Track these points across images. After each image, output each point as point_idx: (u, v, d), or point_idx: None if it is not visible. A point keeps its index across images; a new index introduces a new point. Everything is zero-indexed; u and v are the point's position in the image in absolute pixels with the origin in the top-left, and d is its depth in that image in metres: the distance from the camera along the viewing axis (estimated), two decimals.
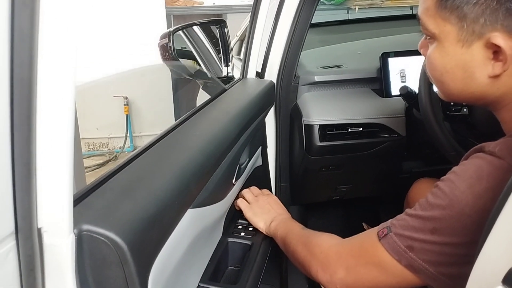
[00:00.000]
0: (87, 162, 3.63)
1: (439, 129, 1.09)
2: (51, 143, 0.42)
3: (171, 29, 1.11)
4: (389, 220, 0.74)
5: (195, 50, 1.33)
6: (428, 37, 0.74)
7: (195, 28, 1.27)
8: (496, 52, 0.64)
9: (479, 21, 0.63)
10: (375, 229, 0.75)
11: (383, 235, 0.71)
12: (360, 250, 0.77)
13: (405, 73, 1.42)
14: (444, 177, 0.69)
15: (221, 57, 1.30)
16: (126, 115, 4.08)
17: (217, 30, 1.30)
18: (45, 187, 0.43)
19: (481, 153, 0.67)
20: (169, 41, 1.09)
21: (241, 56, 1.34)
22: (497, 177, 0.61)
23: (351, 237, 0.82)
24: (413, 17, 2.09)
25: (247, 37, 1.26)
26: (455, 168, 0.69)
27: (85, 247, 0.48)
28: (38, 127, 0.41)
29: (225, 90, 1.13)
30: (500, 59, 0.64)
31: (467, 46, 0.66)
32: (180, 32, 1.24)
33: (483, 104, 0.74)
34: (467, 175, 0.65)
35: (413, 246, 0.68)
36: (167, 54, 1.10)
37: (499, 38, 0.62)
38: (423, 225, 0.67)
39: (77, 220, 0.47)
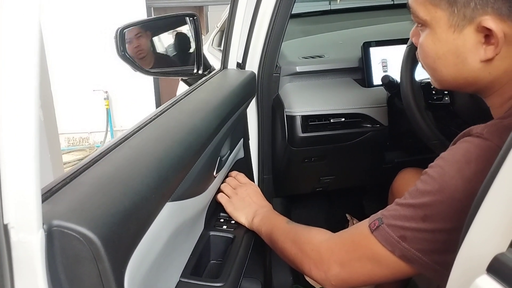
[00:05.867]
0: (66, 157, 3.58)
1: (421, 118, 1.09)
2: (14, 134, 0.39)
3: (120, 26, 1.08)
4: (380, 212, 0.74)
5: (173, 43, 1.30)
6: (419, 25, 0.73)
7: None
8: (488, 36, 0.64)
9: (469, 5, 0.63)
10: (366, 221, 0.75)
11: (375, 227, 0.71)
12: (353, 244, 0.76)
13: (387, 63, 1.41)
14: (432, 163, 0.69)
15: (193, 53, 1.26)
16: (107, 109, 4.03)
17: (191, 25, 1.26)
18: (10, 180, 0.41)
19: (468, 137, 0.67)
20: (116, 38, 1.06)
21: (222, 47, 1.32)
22: (485, 159, 0.61)
23: (341, 232, 0.81)
24: (394, 7, 2.11)
25: (227, 27, 1.24)
26: (443, 154, 0.69)
27: (56, 243, 0.46)
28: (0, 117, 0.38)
29: (205, 81, 1.11)
30: (492, 43, 0.64)
31: (459, 31, 0.66)
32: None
33: (474, 90, 0.74)
34: (455, 160, 0.65)
35: (405, 236, 0.67)
36: (116, 50, 1.07)
37: (490, 22, 0.62)
38: (414, 213, 0.67)
39: (47, 215, 0.45)
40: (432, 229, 0.65)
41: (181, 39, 1.28)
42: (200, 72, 1.25)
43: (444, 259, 0.65)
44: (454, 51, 0.68)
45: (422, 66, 0.77)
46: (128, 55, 1.11)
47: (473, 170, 0.62)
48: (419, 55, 0.76)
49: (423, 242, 0.66)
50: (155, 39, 1.27)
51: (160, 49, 1.30)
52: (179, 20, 1.25)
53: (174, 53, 1.30)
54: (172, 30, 1.28)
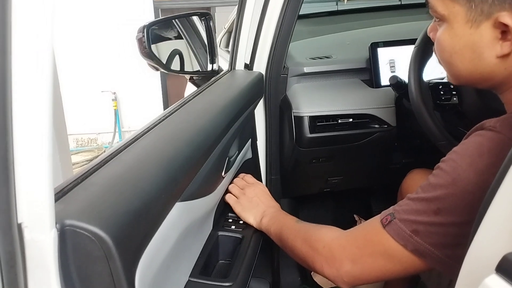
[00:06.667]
0: (75, 158, 3.60)
1: (430, 118, 1.09)
2: (29, 134, 0.40)
3: (146, 23, 1.10)
4: (391, 207, 0.74)
5: (186, 42, 1.32)
6: (437, 20, 0.74)
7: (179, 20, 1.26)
8: (504, 31, 0.64)
9: (487, 0, 0.64)
10: (378, 217, 0.75)
11: (387, 222, 0.71)
12: (365, 240, 0.76)
13: (395, 63, 1.41)
14: (444, 157, 0.69)
15: (206, 51, 1.28)
16: (115, 110, 4.05)
17: (202, 23, 1.28)
18: (24, 180, 0.41)
19: (481, 131, 0.67)
20: (144, 35, 1.07)
21: (230, 48, 1.33)
22: (498, 152, 0.61)
23: (352, 228, 0.81)
24: (402, 7, 2.10)
25: (235, 29, 1.24)
26: (455, 148, 0.69)
27: (68, 243, 0.46)
28: (14, 118, 0.39)
29: (213, 82, 1.12)
30: (508, 39, 0.64)
31: (476, 26, 0.66)
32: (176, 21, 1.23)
33: (490, 85, 0.74)
34: (468, 153, 0.66)
35: (418, 230, 0.68)
36: (143, 48, 1.08)
37: (507, 17, 0.63)
38: (426, 207, 0.67)
39: (60, 214, 0.46)
40: (444, 223, 0.65)
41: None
42: (216, 68, 1.27)
43: (457, 253, 0.65)
44: (470, 46, 0.68)
45: (439, 61, 0.78)
46: (153, 53, 1.12)
47: (485, 163, 0.62)
48: (436, 50, 0.76)
49: (436, 236, 0.66)
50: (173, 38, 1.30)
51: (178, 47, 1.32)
52: (194, 19, 1.27)
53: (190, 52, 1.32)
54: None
